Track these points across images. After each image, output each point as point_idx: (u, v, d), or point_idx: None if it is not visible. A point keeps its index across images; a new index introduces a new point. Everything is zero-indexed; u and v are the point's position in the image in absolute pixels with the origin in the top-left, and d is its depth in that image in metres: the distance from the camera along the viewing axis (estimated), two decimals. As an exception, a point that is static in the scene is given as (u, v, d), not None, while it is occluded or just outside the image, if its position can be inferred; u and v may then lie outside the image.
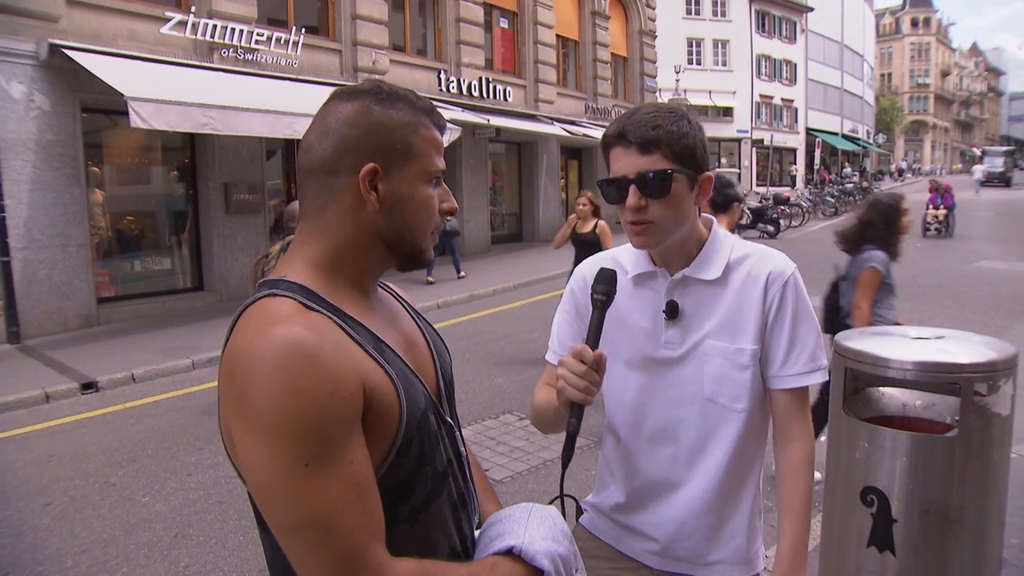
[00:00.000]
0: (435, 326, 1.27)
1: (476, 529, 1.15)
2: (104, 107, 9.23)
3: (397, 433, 0.97)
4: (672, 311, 1.48)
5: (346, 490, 0.89)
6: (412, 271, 1.13)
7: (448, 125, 12.86)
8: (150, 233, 10.86)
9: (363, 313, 1.04)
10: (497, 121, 14.92)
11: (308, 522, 0.87)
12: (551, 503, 1.21)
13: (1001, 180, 41.83)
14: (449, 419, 1.14)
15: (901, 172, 54.45)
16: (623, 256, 1.59)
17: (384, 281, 1.21)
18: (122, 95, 7.82)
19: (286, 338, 0.88)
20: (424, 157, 1.06)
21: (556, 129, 17.10)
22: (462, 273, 12.67)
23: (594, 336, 1.32)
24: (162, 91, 8.33)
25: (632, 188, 1.39)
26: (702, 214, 1.54)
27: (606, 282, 1.35)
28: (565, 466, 1.30)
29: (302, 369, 0.87)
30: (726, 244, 1.52)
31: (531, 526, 1.07)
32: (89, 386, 6.91)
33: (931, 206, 18.41)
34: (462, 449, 1.16)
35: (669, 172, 1.38)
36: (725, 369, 1.45)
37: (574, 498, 1.47)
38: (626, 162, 1.40)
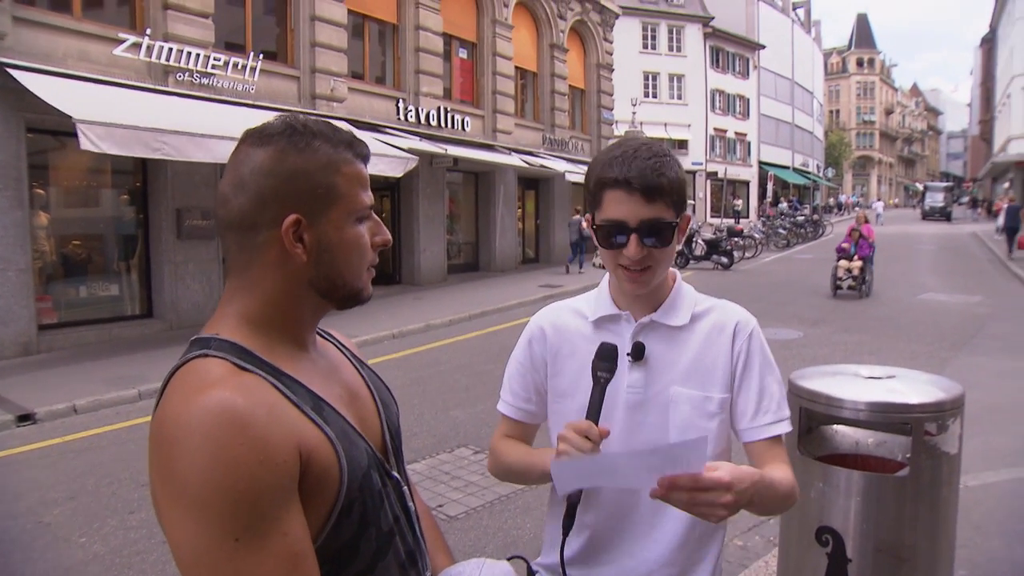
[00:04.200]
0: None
1: None
2: (52, 128, 9.01)
3: (338, 496, 0.93)
4: (638, 353, 1.45)
5: (280, 564, 0.84)
6: (352, 308, 1.08)
7: (405, 155, 12.91)
8: (97, 257, 10.55)
9: (301, 369, 0.99)
10: (455, 151, 14.95)
11: None
12: (509, 560, 1.18)
13: (942, 214, 43.53)
14: (396, 474, 1.10)
15: (840, 206, 55.43)
16: (581, 304, 1.57)
17: (326, 330, 1.17)
18: (70, 117, 7.64)
19: (216, 405, 0.85)
20: (349, 197, 1.01)
21: (514, 159, 17.22)
22: (582, 269, 15.41)
23: (595, 412, 1.32)
24: (114, 114, 8.16)
25: (634, 237, 1.36)
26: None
27: (609, 359, 1.35)
28: (565, 535, 1.32)
29: (232, 438, 0.83)
30: (691, 294, 1.52)
31: None
32: (26, 418, 6.62)
33: (842, 255, 14.11)
34: (410, 504, 1.12)
35: (674, 224, 1.38)
36: (692, 417, 1.43)
37: (524, 559, 1.44)
38: (629, 209, 1.36)
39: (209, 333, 0.98)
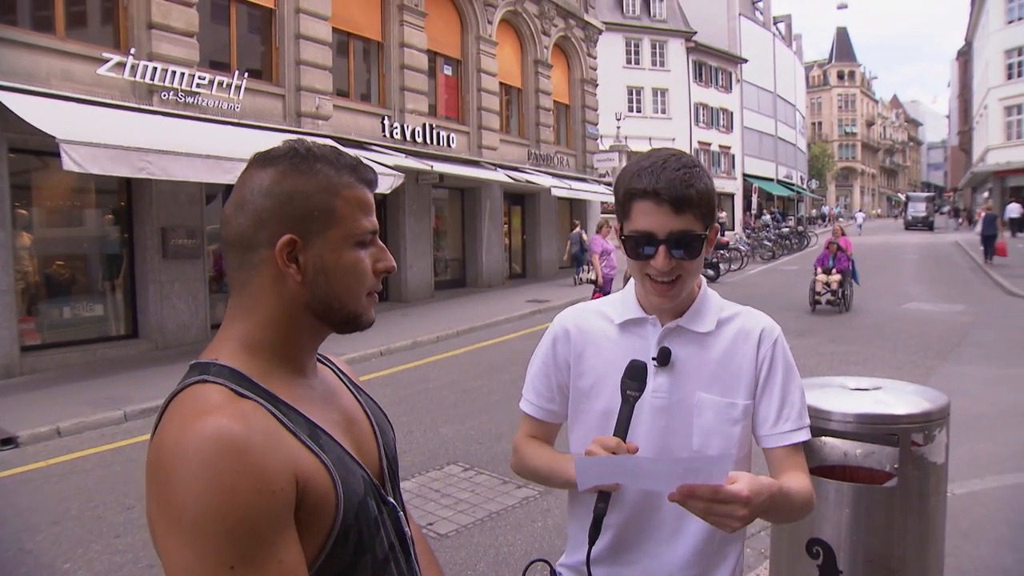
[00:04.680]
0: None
1: None
2: (35, 148, 8.96)
3: (334, 524, 0.94)
4: (664, 358, 1.45)
5: None
6: (351, 333, 1.08)
7: (391, 171, 12.93)
8: (81, 278, 10.47)
9: (298, 396, 1.00)
10: (440, 167, 14.99)
11: None
12: (527, 569, 1.20)
13: (924, 224, 43.99)
14: (392, 500, 1.10)
15: (824, 217, 55.59)
16: (607, 307, 1.58)
17: (325, 355, 1.17)
18: (53, 138, 7.60)
19: (214, 431, 0.85)
20: (348, 220, 1.02)
21: (499, 175, 17.27)
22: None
23: (623, 429, 1.34)
24: (98, 134, 8.11)
25: (663, 248, 1.36)
26: None
27: (639, 379, 1.36)
28: (591, 546, 1.35)
29: (229, 465, 0.84)
30: (716, 300, 1.54)
31: None
32: (7, 442, 6.53)
33: (820, 268, 13.64)
34: (406, 529, 1.12)
35: (703, 236, 1.38)
36: (716, 423, 1.44)
37: (547, 561, 1.45)
38: (658, 220, 1.36)
39: (208, 358, 0.98)
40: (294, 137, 1.08)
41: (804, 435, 1.47)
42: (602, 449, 1.29)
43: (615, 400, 1.46)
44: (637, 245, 1.39)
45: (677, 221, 1.35)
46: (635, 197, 1.38)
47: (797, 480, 1.39)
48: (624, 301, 1.55)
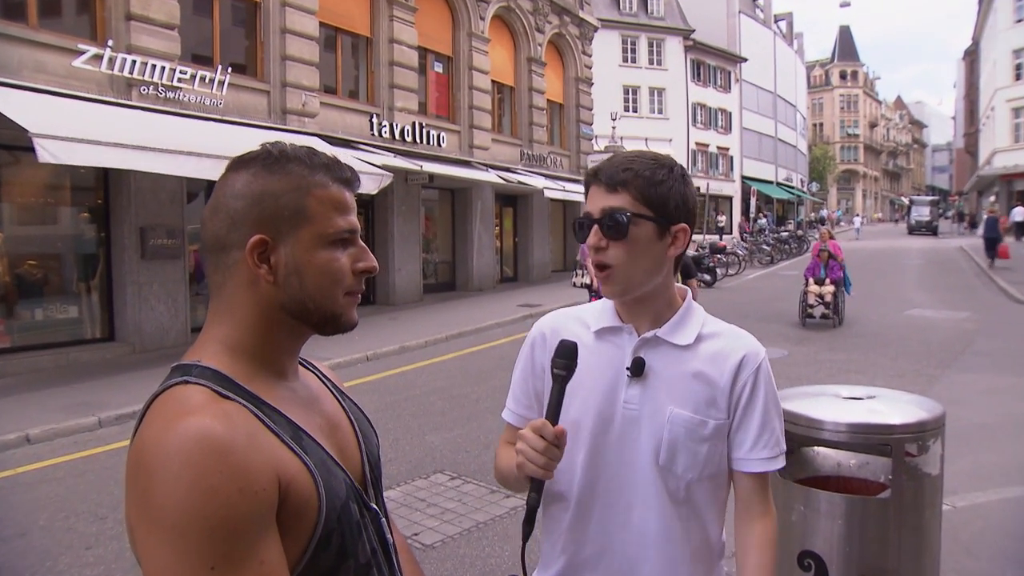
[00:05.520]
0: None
1: None
2: (6, 142, 8.89)
3: (316, 527, 0.96)
4: (638, 369, 1.46)
5: None
6: (334, 334, 1.10)
7: (379, 171, 12.90)
8: (55, 278, 10.41)
9: (281, 398, 1.02)
10: (430, 167, 14.97)
11: None
12: None
13: (928, 229, 44.17)
14: (375, 506, 1.12)
15: (823, 221, 54.70)
16: (587, 313, 1.59)
17: (308, 359, 1.20)
18: (25, 131, 7.54)
19: (196, 431, 0.87)
20: (319, 219, 1.03)
21: (491, 176, 17.28)
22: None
23: (554, 411, 1.33)
24: (74, 128, 8.04)
25: (594, 228, 1.41)
26: (678, 284, 1.56)
27: (567, 356, 1.35)
28: (525, 540, 1.33)
29: (211, 465, 0.86)
30: (700, 315, 1.54)
31: None
32: (-23, 448, 6.49)
33: (811, 278, 12.78)
34: (389, 537, 1.14)
35: (629, 214, 1.39)
36: (684, 439, 1.44)
37: None
38: (594, 201, 1.43)
39: (191, 360, 1.01)
40: (274, 139, 1.11)
41: (778, 463, 1.50)
42: (530, 432, 1.31)
43: (586, 410, 1.48)
44: (580, 227, 1.45)
45: (610, 199, 1.41)
46: (587, 185, 1.47)
47: (758, 552, 1.47)
48: (603, 309, 1.56)
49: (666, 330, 1.48)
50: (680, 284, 1.59)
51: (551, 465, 1.30)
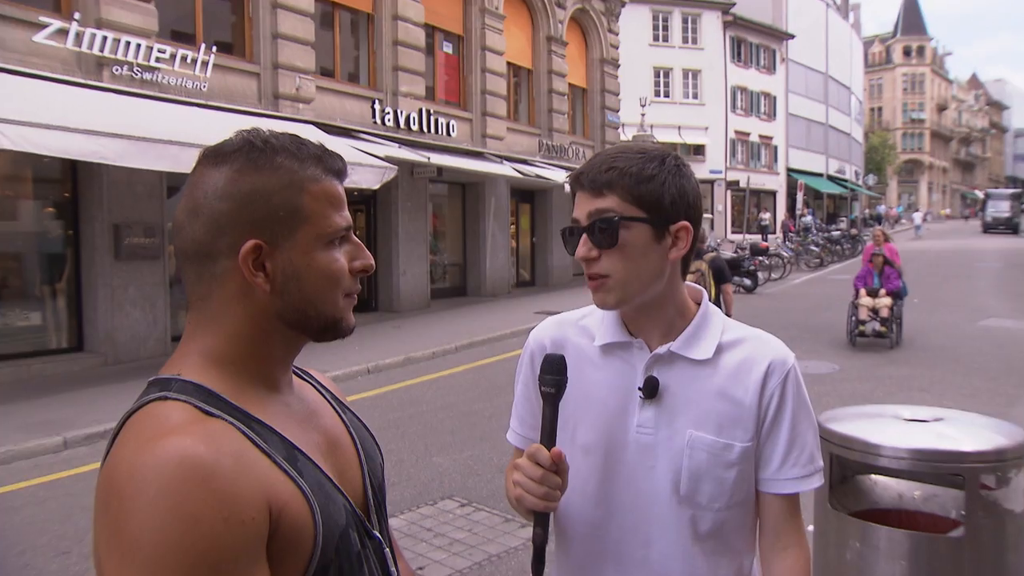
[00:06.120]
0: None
1: None
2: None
3: (311, 559, 0.95)
4: (651, 390, 1.44)
5: None
6: (331, 341, 1.11)
7: (382, 163, 12.91)
8: (15, 281, 10.52)
9: (274, 414, 1.02)
10: (439, 159, 15.01)
11: None
12: None
13: (1008, 227, 43.30)
14: (378, 534, 1.12)
15: (880, 219, 53.75)
16: (590, 321, 1.56)
17: (304, 368, 1.19)
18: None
19: (176, 454, 0.86)
20: (317, 218, 1.03)
21: (506, 169, 17.30)
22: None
23: (548, 433, 1.32)
24: (36, 112, 8.04)
25: (583, 237, 1.39)
26: (688, 284, 1.53)
27: (554, 372, 1.34)
28: None
29: (193, 491, 0.84)
30: (717, 321, 1.51)
31: None
32: (-69, 471, 6.53)
33: (863, 289, 11.81)
34: (393, 569, 1.14)
35: (616, 218, 1.36)
36: (709, 466, 1.42)
37: None
38: (580, 207, 1.41)
39: (169, 373, 1.00)
40: (262, 126, 1.09)
41: (814, 482, 1.48)
42: (526, 460, 1.30)
43: (595, 433, 1.46)
44: (569, 236, 1.43)
45: (596, 203, 1.38)
46: (572, 190, 1.45)
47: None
48: (607, 319, 1.53)
49: (680, 344, 1.46)
50: (693, 286, 1.56)
51: (552, 495, 1.29)
